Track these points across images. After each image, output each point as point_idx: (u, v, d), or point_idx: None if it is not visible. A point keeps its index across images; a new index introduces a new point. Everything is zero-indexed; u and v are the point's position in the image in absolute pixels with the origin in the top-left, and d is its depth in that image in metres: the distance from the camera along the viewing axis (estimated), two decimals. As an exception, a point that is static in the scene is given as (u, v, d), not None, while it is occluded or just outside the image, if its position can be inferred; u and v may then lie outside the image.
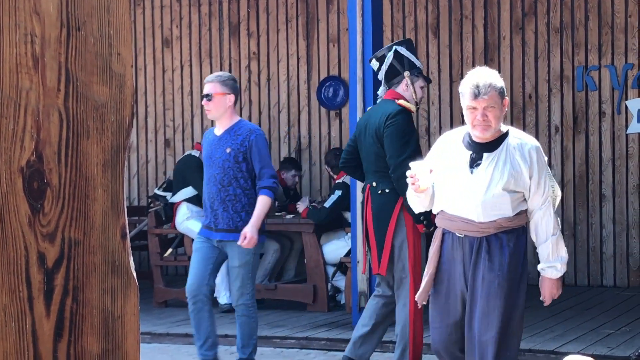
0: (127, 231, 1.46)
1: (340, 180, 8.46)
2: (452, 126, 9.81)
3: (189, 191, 8.79)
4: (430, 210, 4.73)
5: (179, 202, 8.83)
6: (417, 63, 6.07)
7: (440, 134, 9.93)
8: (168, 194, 9.19)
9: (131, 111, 1.43)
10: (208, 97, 5.98)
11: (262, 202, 5.91)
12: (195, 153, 8.89)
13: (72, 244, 1.38)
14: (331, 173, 8.95)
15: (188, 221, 8.76)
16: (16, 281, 1.33)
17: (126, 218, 1.48)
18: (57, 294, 1.37)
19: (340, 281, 8.47)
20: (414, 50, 6.16)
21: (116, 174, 1.42)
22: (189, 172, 8.77)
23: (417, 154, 5.76)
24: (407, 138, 5.84)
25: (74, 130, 1.37)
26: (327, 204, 8.31)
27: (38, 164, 1.33)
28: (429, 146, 9.88)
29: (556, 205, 4.53)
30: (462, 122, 9.81)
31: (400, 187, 5.57)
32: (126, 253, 1.43)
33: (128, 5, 1.39)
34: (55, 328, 1.37)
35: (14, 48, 1.30)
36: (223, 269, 8.59)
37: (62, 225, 1.37)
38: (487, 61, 9.65)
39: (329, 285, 8.48)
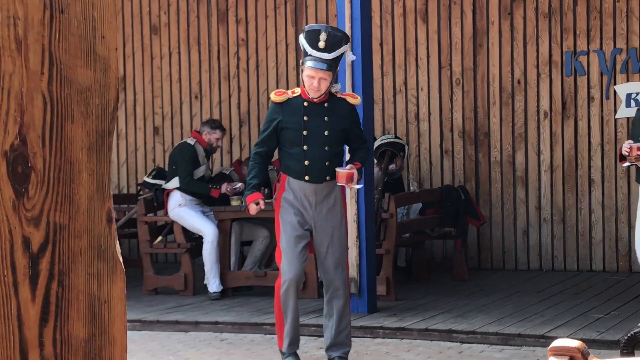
0: (113, 215, 1.45)
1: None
2: (441, 112, 9.83)
3: (182, 179, 8.80)
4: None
5: (172, 189, 8.83)
6: (307, 49, 5.93)
7: (429, 120, 9.98)
8: (157, 182, 9.18)
9: (116, 95, 1.42)
10: None
11: None
12: (191, 141, 8.87)
13: (57, 228, 1.37)
14: None
15: (180, 208, 8.75)
16: (1, 265, 1.32)
17: (112, 202, 1.47)
18: (43, 279, 1.36)
19: (330, 267, 8.46)
20: (309, 38, 5.98)
21: (101, 158, 1.41)
22: (180, 161, 8.76)
23: (261, 141, 6.15)
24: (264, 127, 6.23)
25: (58, 113, 1.36)
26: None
27: (22, 147, 1.32)
28: (418, 133, 9.93)
29: None
30: (452, 108, 9.85)
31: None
32: (112, 237, 1.42)
33: (112, -13, 1.38)
34: (40, 313, 1.36)
35: (-4, 30, 1.29)
36: (212, 257, 8.60)
37: (47, 210, 1.36)
38: (476, 46, 9.65)
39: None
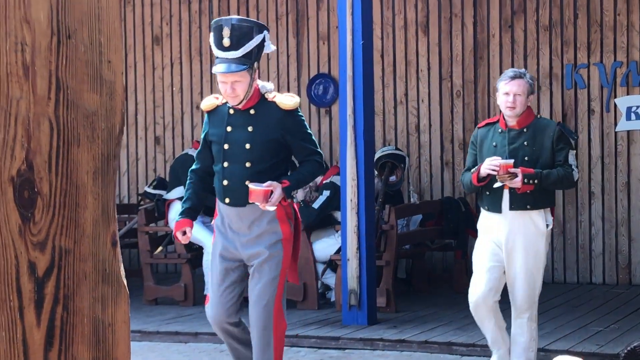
0: (118, 239, 1.45)
1: (327, 181, 8.47)
2: (441, 124, 9.84)
3: (183, 190, 8.80)
4: None
5: (172, 200, 8.84)
6: (213, 50, 5.02)
7: (430, 131, 9.98)
8: (158, 192, 9.18)
9: (122, 119, 1.43)
10: None
11: None
12: (192, 152, 8.89)
13: (62, 252, 1.38)
14: None
15: (179, 219, 8.75)
16: (7, 290, 1.32)
17: (117, 225, 1.47)
18: (48, 303, 1.37)
19: (330, 279, 8.48)
20: (214, 36, 5.06)
21: (107, 182, 1.41)
22: (182, 172, 8.78)
23: (196, 157, 5.34)
24: None
25: (64, 138, 1.37)
26: (315, 205, 8.30)
27: (28, 173, 1.32)
28: (419, 144, 9.94)
29: None
30: (452, 120, 9.86)
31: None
32: (117, 261, 1.43)
33: (119, 12, 1.38)
34: (45, 337, 1.37)
35: (4, 57, 1.29)
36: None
37: (53, 234, 1.36)
38: (477, 59, 9.66)
39: (319, 283, 8.49)
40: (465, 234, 9.07)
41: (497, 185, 5.46)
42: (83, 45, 1.38)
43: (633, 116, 9.13)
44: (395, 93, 9.94)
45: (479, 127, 5.83)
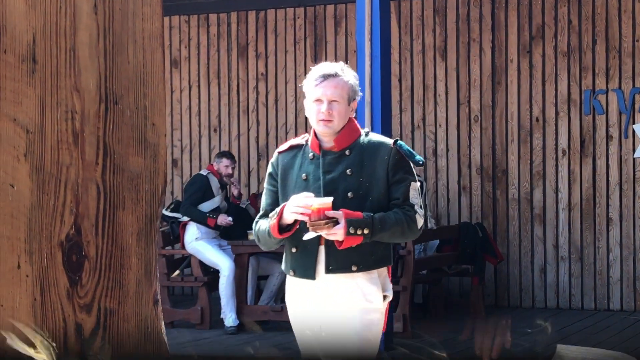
0: (159, 297, 1.47)
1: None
2: (459, 148, 9.84)
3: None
4: None
5: (187, 222, 8.87)
6: None
7: (447, 156, 9.99)
8: (175, 215, 9.22)
9: (164, 179, 1.45)
10: None
11: None
12: (204, 172, 8.93)
13: (107, 313, 1.40)
14: None
15: (197, 242, 8.78)
16: (54, 353, 1.34)
17: (158, 284, 1.49)
18: (93, 364, 1.38)
19: (347, 303, 8.47)
20: None
21: (149, 241, 1.43)
22: (187, 190, 8.83)
23: None
24: None
25: (110, 202, 1.39)
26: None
27: (77, 237, 1.34)
28: (436, 168, 9.94)
29: None
30: (470, 145, 9.86)
31: None
32: (158, 319, 1.45)
33: (162, 75, 1.41)
34: (91, 397, 1.38)
35: (55, 125, 1.32)
36: (228, 291, 8.60)
37: (99, 296, 1.38)
38: (495, 84, 9.68)
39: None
40: (482, 260, 9.06)
41: (308, 236, 3.60)
42: (129, 110, 1.40)
43: (651, 143, 9.11)
44: (413, 118, 9.96)
45: (279, 152, 3.86)
